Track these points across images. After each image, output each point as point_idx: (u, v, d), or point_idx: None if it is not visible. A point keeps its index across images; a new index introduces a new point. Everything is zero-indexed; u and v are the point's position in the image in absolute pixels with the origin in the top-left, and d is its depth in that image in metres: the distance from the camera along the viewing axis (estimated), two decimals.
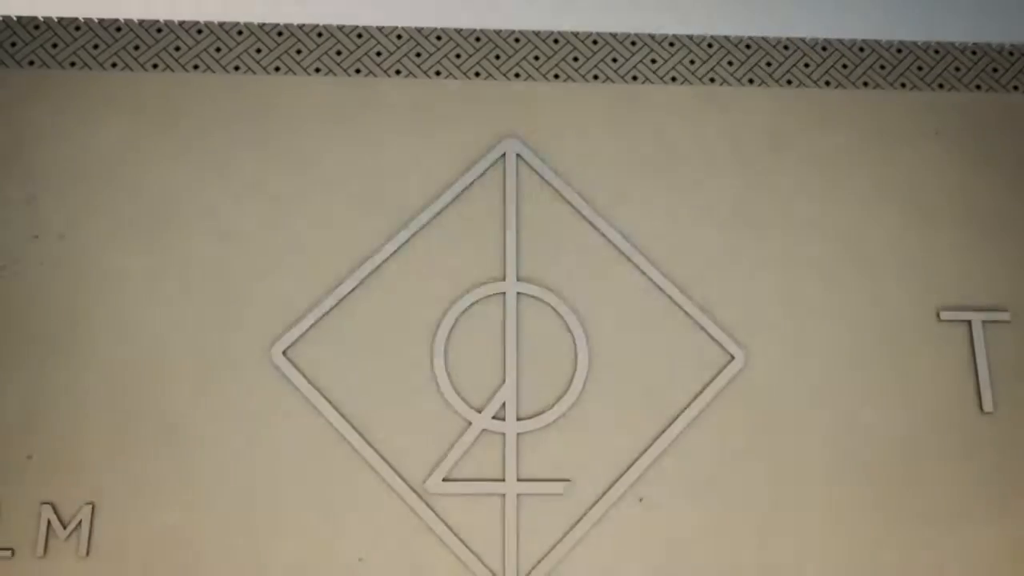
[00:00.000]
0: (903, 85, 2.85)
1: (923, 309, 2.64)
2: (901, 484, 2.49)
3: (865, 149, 2.78)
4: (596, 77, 2.80)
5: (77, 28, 2.75)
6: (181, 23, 2.77)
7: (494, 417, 2.47)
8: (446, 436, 2.46)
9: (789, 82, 2.84)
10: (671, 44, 2.85)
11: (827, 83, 2.84)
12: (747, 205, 2.71)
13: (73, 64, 2.72)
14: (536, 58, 2.81)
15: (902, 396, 2.56)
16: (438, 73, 2.78)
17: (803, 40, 2.88)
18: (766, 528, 2.44)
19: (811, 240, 2.69)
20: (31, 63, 2.71)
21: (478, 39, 2.82)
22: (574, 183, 2.69)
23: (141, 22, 2.77)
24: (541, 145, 2.72)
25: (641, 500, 2.44)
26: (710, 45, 2.86)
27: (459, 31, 2.82)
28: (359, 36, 2.80)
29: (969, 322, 2.61)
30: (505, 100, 2.76)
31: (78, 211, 2.58)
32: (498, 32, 2.83)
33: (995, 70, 2.88)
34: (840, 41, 2.88)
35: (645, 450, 2.47)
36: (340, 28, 2.80)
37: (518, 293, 2.57)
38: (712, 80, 2.82)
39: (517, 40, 2.83)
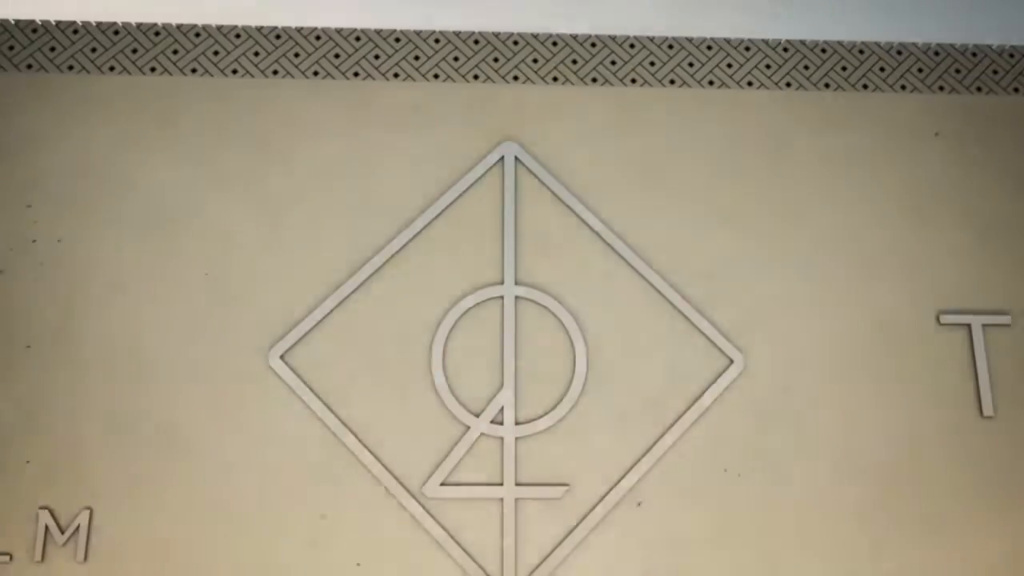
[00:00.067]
0: (903, 87, 2.84)
1: (922, 312, 2.63)
2: (901, 488, 2.49)
3: (865, 151, 2.78)
4: (595, 80, 2.80)
5: (75, 31, 2.75)
6: (179, 26, 2.77)
7: (492, 421, 2.47)
8: (444, 440, 2.45)
9: (788, 84, 2.83)
10: (670, 46, 2.85)
11: (826, 85, 2.83)
12: (746, 208, 2.70)
13: (71, 68, 2.72)
14: (535, 61, 2.81)
15: (902, 400, 2.56)
16: (436, 76, 2.77)
17: (802, 42, 2.87)
18: (765, 532, 2.44)
19: (811, 243, 2.68)
20: (29, 67, 2.71)
21: (476, 42, 2.82)
22: (573, 186, 2.69)
23: (139, 25, 2.76)
24: (540, 148, 2.72)
25: (640, 504, 2.44)
26: (709, 47, 2.85)
27: (457, 34, 2.82)
28: (357, 39, 2.80)
29: (969, 325, 2.61)
30: (503, 103, 2.76)
31: (76, 215, 2.58)
32: (496, 35, 2.82)
33: (995, 72, 2.87)
34: (839, 43, 2.88)
35: (644, 454, 2.47)
36: (338, 31, 2.80)
37: (516, 297, 2.57)
38: (711, 83, 2.82)
39: (515, 43, 2.82)
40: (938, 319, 2.62)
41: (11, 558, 2.31)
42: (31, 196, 2.59)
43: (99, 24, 2.76)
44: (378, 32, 2.80)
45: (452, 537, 2.38)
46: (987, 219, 2.73)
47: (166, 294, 2.53)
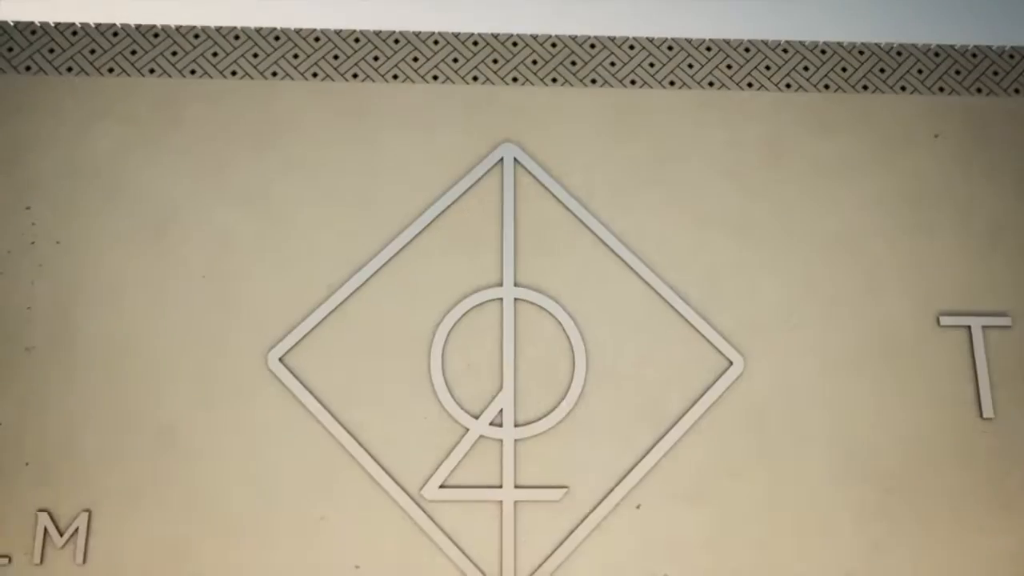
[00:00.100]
0: (903, 88, 2.84)
1: (923, 314, 2.62)
2: (901, 490, 2.48)
3: (865, 153, 2.77)
4: (594, 81, 2.79)
5: (74, 33, 2.75)
6: (178, 28, 2.77)
7: (491, 423, 2.46)
8: (443, 443, 2.45)
9: (788, 86, 2.82)
10: (669, 48, 2.84)
11: (826, 87, 2.83)
12: (746, 209, 2.70)
13: (70, 69, 2.72)
14: (534, 62, 2.80)
15: (901, 402, 2.55)
16: (435, 78, 2.77)
17: (802, 43, 2.87)
18: (764, 535, 2.43)
19: (810, 244, 2.67)
20: (28, 68, 2.71)
21: (476, 43, 2.81)
22: (572, 188, 2.68)
23: (138, 27, 2.76)
24: (539, 150, 2.71)
25: (639, 507, 2.44)
26: (709, 49, 2.85)
27: (456, 35, 2.81)
28: (356, 41, 2.79)
29: (969, 327, 2.60)
30: (503, 105, 2.75)
31: (75, 217, 2.58)
32: (496, 36, 2.82)
33: (995, 73, 2.87)
34: (839, 44, 2.87)
35: (643, 456, 2.46)
36: (337, 33, 2.79)
37: (515, 299, 2.56)
38: (711, 84, 2.81)
39: (515, 44, 2.82)
40: (938, 321, 2.61)
41: (10, 560, 2.31)
42: (30, 198, 2.59)
43: (98, 26, 2.76)
44: (377, 34, 2.80)
45: (451, 539, 2.38)
46: (987, 221, 2.72)
47: (165, 296, 2.52)
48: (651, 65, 2.82)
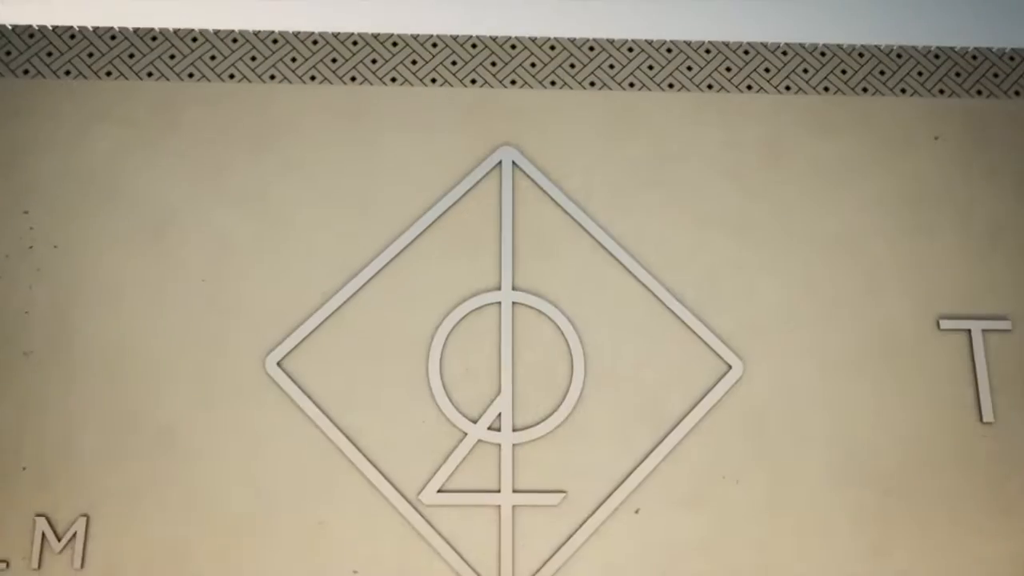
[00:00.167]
0: (903, 91, 2.83)
1: (922, 317, 2.61)
2: (900, 494, 2.48)
3: (864, 155, 2.76)
4: (593, 84, 2.79)
5: (72, 37, 2.75)
6: (176, 31, 2.76)
7: (489, 428, 2.46)
8: (441, 447, 2.45)
9: (787, 88, 2.82)
10: (668, 50, 2.83)
11: (826, 89, 2.82)
12: (745, 212, 2.69)
13: (68, 73, 2.71)
14: (533, 65, 2.79)
15: (901, 405, 2.54)
16: (434, 80, 2.76)
17: (802, 45, 2.86)
18: (764, 539, 2.43)
19: (810, 248, 2.67)
20: (26, 72, 2.71)
21: (474, 46, 2.81)
22: (571, 191, 2.68)
23: (136, 30, 2.76)
24: (537, 153, 2.71)
25: (638, 511, 2.43)
26: (708, 51, 2.84)
27: (455, 38, 2.81)
28: (354, 43, 2.79)
29: (969, 331, 2.59)
30: (501, 108, 2.75)
31: (72, 221, 2.58)
32: (494, 39, 2.81)
33: (996, 75, 2.86)
34: (839, 46, 2.86)
35: (642, 461, 2.46)
36: (335, 35, 2.79)
37: (514, 303, 2.56)
38: (710, 86, 2.81)
39: (513, 47, 2.81)
40: (938, 324, 2.60)
41: (8, 565, 2.31)
42: (28, 202, 2.59)
43: (96, 29, 2.76)
44: (375, 36, 2.79)
45: (449, 544, 2.38)
46: (987, 223, 2.71)
47: (163, 300, 2.52)
48: (650, 67, 2.81)
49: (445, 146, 2.70)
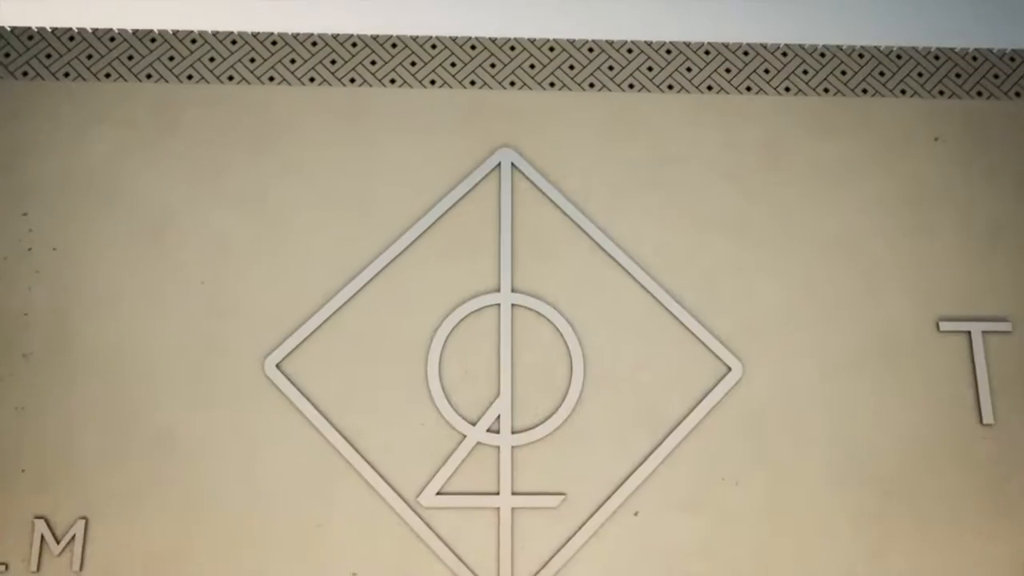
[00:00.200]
0: (903, 92, 2.82)
1: (922, 319, 2.61)
2: (900, 497, 2.47)
3: (864, 157, 2.76)
4: (592, 85, 2.78)
5: (71, 39, 2.75)
6: (175, 33, 2.76)
7: (489, 430, 2.46)
8: (440, 449, 2.45)
9: (787, 89, 2.81)
10: (668, 51, 2.83)
11: (825, 90, 2.81)
12: (745, 214, 2.69)
13: (67, 75, 2.71)
14: (532, 66, 2.79)
15: (901, 407, 2.54)
16: (433, 82, 2.76)
17: (801, 46, 2.85)
18: (764, 541, 2.43)
19: (809, 249, 2.66)
20: (25, 74, 2.71)
21: (473, 47, 2.80)
22: (570, 193, 2.67)
23: (135, 32, 2.76)
24: (536, 155, 2.71)
25: (637, 514, 2.43)
26: (707, 52, 2.83)
27: (454, 39, 2.80)
28: (353, 45, 2.78)
29: (969, 332, 2.59)
30: (500, 109, 2.74)
31: (71, 223, 2.58)
32: (493, 40, 2.81)
33: (996, 76, 2.85)
34: (839, 47, 2.86)
35: (641, 463, 2.46)
36: (334, 37, 2.78)
37: (513, 305, 2.55)
38: (710, 88, 2.80)
39: (512, 48, 2.81)
40: (937, 326, 2.60)
41: (7, 568, 2.31)
42: (27, 204, 2.59)
43: (95, 31, 2.75)
44: (374, 38, 2.79)
45: (448, 546, 2.38)
46: (987, 225, 2.71)
47: (162, 302, 2.52)
48: (649, 69, 2.81)
49: (444, 148, 2.70)
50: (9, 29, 2.74)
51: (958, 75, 2.85)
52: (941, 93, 2.83)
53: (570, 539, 2.39)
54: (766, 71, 2.82)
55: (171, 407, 2.44)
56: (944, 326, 2.59)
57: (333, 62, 2.76)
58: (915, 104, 2.81)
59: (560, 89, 2.77)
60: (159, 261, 2.56)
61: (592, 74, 2.79)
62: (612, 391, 2.51)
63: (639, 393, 2.51)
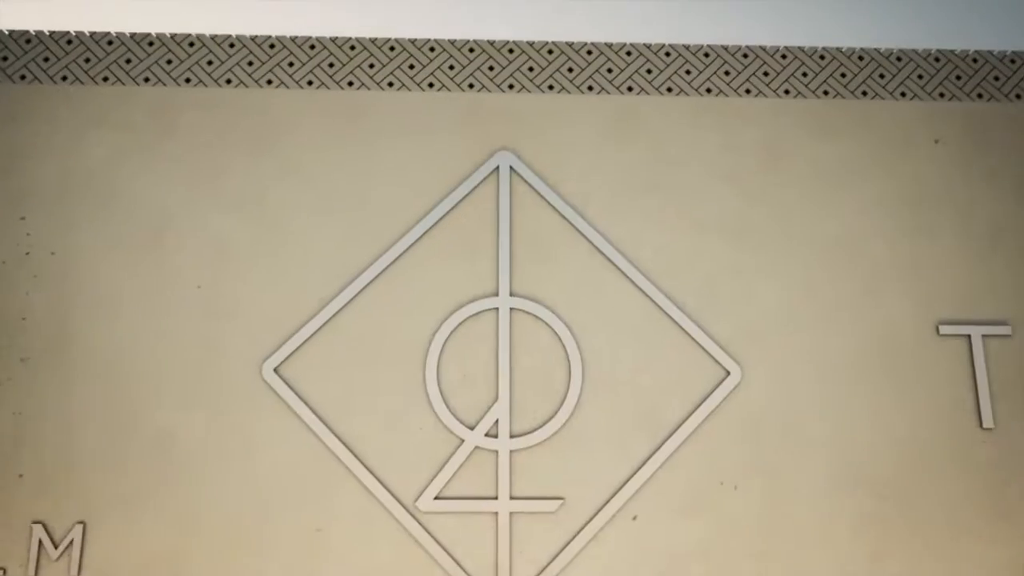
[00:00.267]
0: (903, 94, 2.81)
1: (922, 323, 2.60)
2: (899, 500, 2.47)
3: (864, 159, 2.75)
4: (591, 88, 2.78)
5: (69, 42, 2.74)
6: (173, 36, 2.76)
7: (487, 434, 2.45)
8: (438, 454, 2.44)
9: (787, 92, 2.80)
10: (667, 54, 2.82)
11: (825, 92, 2.81)
12: (744, 217, 2.68)
13: (65, 78, 2.71)
14: (530, 69, 2.78)
15: (900, 411, 2.53)
16: (431, 85, 2.75)
17: (801, 49, 2.84)
18: (763, 546, 2.42)
19: (809, 252, 2.65)
20: (23, 77, 2.70)
21: (472, 50, 2.80)
22: (569, 196, 2.67)
23: (132, 35, 2.75)
24: (535, 158, 2.70)
25: (635, 518, 2.42)
26: (706, 55, 2.83)
27: (452, 42, 2.80)
28: (351, 48, 2.78)
29: (969, 336, 2.58)
30: (499, 112, 2.74)
31: (69, 227, 2.57)
32: (492, 43, 2.80)
33: (996, 78, 2.84)
34: (838, 50, 2.85)
35: (640, 467, 2.45)
36: (332, 40, 2.78)
37: (511, 308, 2.55)
38: (709, 90, 2.79)
39: (511, 51, 2.80)
40: (937, 330, 2.59)
41: (5, 572, 2.31)
42: (24, 208, 2.58)
43: (92, 34, 2.75)
44: (373, 41, 2.79)
45: (446, 551, 2.37)
46: (988, 228, 2.70)
47: (160, 306, 2.52)
48: (648, 71, 2.80)
49: (442, 151, 2.69)
50: (7, 33, 2.73)
51: (958, 77, 2.84)
52: (941, 95, 2.82)
53: (568, 544, 2.39)
54: (765, 73, 2.81)
55: (169, 411, 2.44)
56: (944, 329, 2.58)
57: (331, 65, 2.75)
58: (915, 106, 2.80)
59: (559, 92, 2.76)
60: (157, 265, 2.55)
61: (591, 77, 2.79)
62: (611, 395, 2.51)
63: (638, 397, 2.51)
